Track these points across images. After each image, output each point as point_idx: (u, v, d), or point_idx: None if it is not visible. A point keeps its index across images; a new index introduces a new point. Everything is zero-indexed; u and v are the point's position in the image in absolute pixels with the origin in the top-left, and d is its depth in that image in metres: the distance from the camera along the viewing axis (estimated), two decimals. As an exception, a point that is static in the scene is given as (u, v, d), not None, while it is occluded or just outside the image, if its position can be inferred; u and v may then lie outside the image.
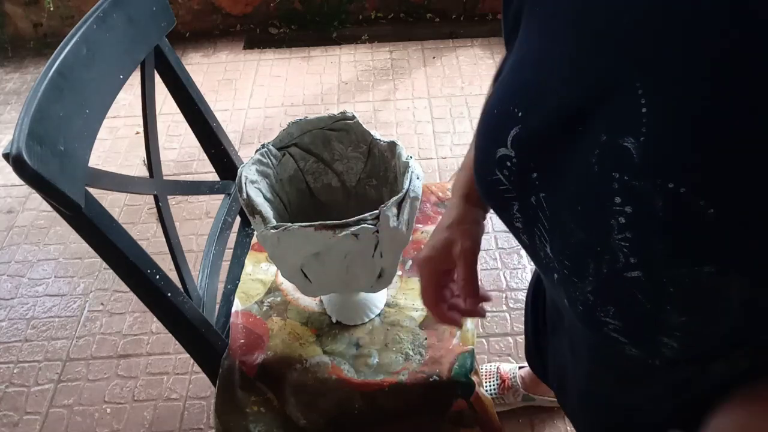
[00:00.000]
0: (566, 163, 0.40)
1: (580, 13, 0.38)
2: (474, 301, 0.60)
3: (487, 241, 1.65)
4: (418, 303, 0.93)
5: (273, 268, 1.00)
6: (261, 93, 2.26)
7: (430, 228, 1.02)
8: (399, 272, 0.97)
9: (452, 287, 0.67)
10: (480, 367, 1.33)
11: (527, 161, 0.44)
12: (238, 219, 1.15)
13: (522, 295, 1.52)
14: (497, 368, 1.30)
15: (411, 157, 0.79)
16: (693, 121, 0.32)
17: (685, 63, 0.32)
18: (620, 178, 0.36)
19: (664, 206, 0.34)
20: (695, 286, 0.35)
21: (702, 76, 0.31)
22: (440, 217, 0.74)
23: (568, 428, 1.28)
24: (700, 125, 0.32)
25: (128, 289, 0.75)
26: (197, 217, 1.79)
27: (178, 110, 0.95)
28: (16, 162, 0.56)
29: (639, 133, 0.34)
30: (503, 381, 1.27)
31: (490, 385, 1.28)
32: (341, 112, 0.85)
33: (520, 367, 1.30)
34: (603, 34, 0.36)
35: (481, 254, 1.58)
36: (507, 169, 0.46)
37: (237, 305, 0.94)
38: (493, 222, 1.70)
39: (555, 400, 1.23)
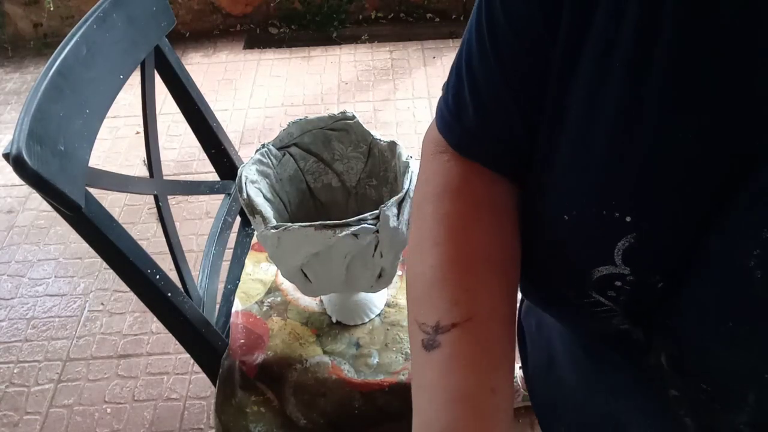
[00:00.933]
0: (710, 269, 0.31)
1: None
2: None
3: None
4: (418, 303, 0.93)
5: (273, 268, 1.00)
6: (261, 93, 2.26)
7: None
8: (399, 272, 0.97)
9: None
10: None
11: (650, 274, 0.34)
12: (238, 219, 1.15)
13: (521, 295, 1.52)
14: None
15: (411, 157, 0.79)
16: None
17: None
18: None
19: None
20: None
21: None
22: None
23: (568, 428, 1.28)
24: None
25: (128, 289, 0.75)
26: (197, 217, 1.79)
27: (178, 110, 0.95)
28: (16, 162, 0.56)
29: None
30: None
31: None
32: (341, 112, 0.85)
33: (520, 367, 1.30)
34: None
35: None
36: (615, 290, 0.35)
37: (237, 305, 0.94)
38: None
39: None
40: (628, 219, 0.33)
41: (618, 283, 0.35)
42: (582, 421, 0.52)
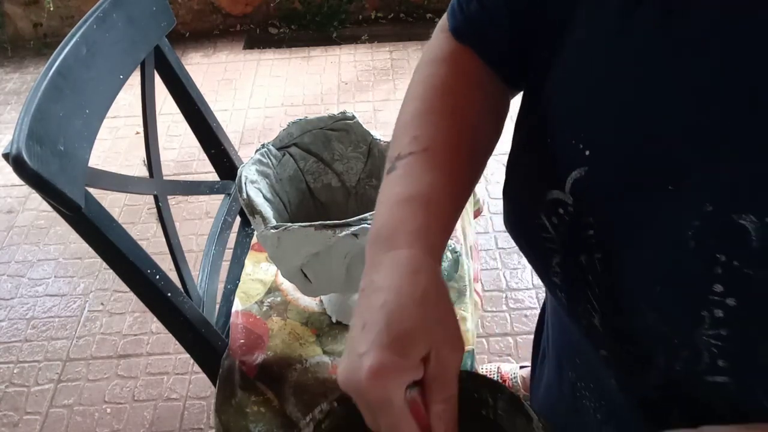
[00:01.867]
0: (644, 230, 0.32)
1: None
2: None
3: (487, 241, 1.65)
4: (418, 303, 0.93)
5: (273, 268, 1.00)
6: (261, 93, 2.26)
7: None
8: (399, 272, 0.97)
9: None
10: (480, 367, 1.33)
11: (587, 214, 0.36)
12: (238, 219, 1.15)
13: (522, 295, 1.52)
14: (497, 368, 1.30)
15: (411, 157, 0.78)
16: None
17: None
18: (727, 263, 0.28)
19: None
20: None
21: None
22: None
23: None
24: None
25: (128, 289, 0.75)
26: (197, 217, 1.79)
27: (178, 110, 0.95)
28: (16, 162, 0.56)
29: (764, 209, 0.27)
30: (503, 381, 1.27)
31: None
32: (341, 112, 0.85)
33: (521, 367, 1.31)
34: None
35: (482, 254, 1.58)
36: (557, 216, 0.37)
37: (237, 305, 0.94)
38: (493, 222, 1.70)
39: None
40: (587, 153, 0.35)
41: (561, 211, 0.37)
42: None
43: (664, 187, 0.31)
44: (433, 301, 0.34)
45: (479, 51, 0.47)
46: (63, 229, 1.78)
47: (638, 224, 0.32)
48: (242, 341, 0.89)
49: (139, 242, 0.73)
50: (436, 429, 0.32)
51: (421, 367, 0.33)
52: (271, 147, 0.83)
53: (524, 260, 1.60)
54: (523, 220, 0.41)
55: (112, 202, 1.82)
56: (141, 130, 0.88)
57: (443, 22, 0.52)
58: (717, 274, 0.29)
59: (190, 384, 1.40)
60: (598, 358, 0.39)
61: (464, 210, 1.08)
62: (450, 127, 0.44)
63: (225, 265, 1.07)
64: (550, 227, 0.38)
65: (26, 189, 1.89)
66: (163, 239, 0.88)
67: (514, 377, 1.28)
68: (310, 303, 0.94)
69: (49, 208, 0.67)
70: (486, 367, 1.33)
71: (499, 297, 1.52)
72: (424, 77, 0.48)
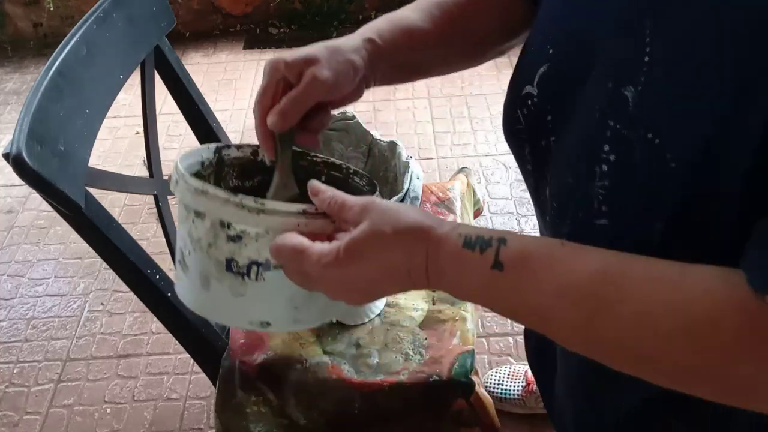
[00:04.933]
0: (576, 112, 0.40)
1: None
2: (278, 120, 0.48)
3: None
4: (419, 303, 0.93)
5: (273, 268, 1.00)
6: (261, 93, 2.26)
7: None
8: (399, 272, 0.97)
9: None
10: (507, 367, 1.32)
11: (546, 102, 0.43)
12: (238, 219, 1.15)
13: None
14: (525, 371, 1.29)
15: (411, 157, 0.79)
16: (692, 74, 0.32)
17: (694, 19, 0.32)
18: (613, 127, 0.36)
19: (641, 157, 0.34)
20: (647, 243, 0.35)
21: (709, 37, 0.31)
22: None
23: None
24: (696, 79, 0.32)
25: (128, 289, 0.75)
26: (197, 217, 1.79)
27: (178, 110, 0.95)
28: (16, 162, 0.56)
29: (639, 82, 0.35)
30: (528, 384, 1.26)
31: (514, 387, 1.26)
32: (341, 112, 0.85)
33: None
34: None
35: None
36: (527, 108, 0.45)
37: (237, 305, 0.94)
38: (493, 222, 1.70)
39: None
40: (551, 51, 0.43)
41: (529, 102, 0.44)
42: None
43: (590, 73, 0.39)
44: (332, 48, 0.50)
45: None
46: (63, 229, 1.78)
47: (573, 107, 0.40)
48: (242, 341, 0.89)
49: (139, 242, 0.73)
50: (277, 107, 0.49)
51: (299, 72, 0.48)
52: (271, 147, 0.83)
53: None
54: (508, 118, 0.48)
55: (112, 202, 1.82)
56: (141, 130, 0.88)
57: None
58: (606, 137, 0.36)
59: (190, 384, 1.40)
60: (546, 222, 0.47)
61: (465, 210, 1.08)
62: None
63: (225, 265, 1.06)
64: (522, 119, 0.46)
65: (26, 189, 1.89)
66: (163, 239, 0.88)
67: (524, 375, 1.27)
68: (310, 303, 0.94)
69: (49, 208, 0.67)
70: (513, 368, 1.29)
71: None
72: None
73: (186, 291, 0.53)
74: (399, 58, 0.55)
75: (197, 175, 0.57)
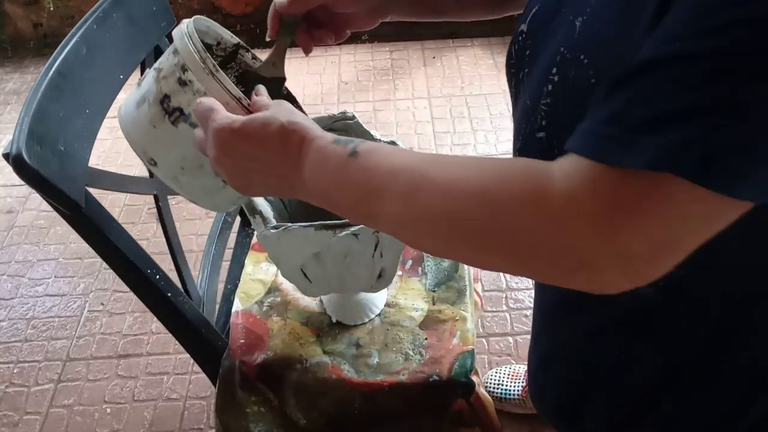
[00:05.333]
0: (546, 41, 0.46)
1: None
2: (285, 1, 0.55)
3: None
4: (419, 303, 0.93)
5: (273, 268, 1.00)
6: (261, 93, 2.26)
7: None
8: (399, 272, 0.97)
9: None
10: (507, 367, 1.31)
11: (528, 38, 0.49)
12: (238, 219, 1.15)
13: (522, 295, 1.52)
14: (525, 371, 1.28)
15: (411, 157, 0.78)
16: (610, 4, 0.38)
17: None
18: (562, 51, 0.42)
19: (574, 75, 0.41)
20: None
21: None
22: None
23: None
24: (609, 8, 0.38)
25: (128, 289, 0.75)
26: (197, 217, 1.79)
27: (178, 110, 0.95)
28: (16, 162, 0.57)
29: (585, 12, 0.41)
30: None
31: (514, 387, 1.26)
32: (341, 112, 0.85)
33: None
34: None
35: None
36: (517, 44, 0.51)
37: (237, 305, 0.94)
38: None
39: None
40: None
41: (520, 39, 0.50)
42: None
43: (561, 10, 0.44)
44: None
45: None
46: (63, 229, 1.78)
47: (544, 40, 0.46)
48: (242, 341, 0.89)
49: (139, 242, 0.73)
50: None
51: None
52: (271, 147, 0.83)
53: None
54: (507, 54, 0.53)
55: (112, 202, 1.82)
56: (141, 130, 0.88)
57: None
58: (556, 61, 0.42)
59: (190, 384, 1.40)
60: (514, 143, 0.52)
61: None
62: None
63: (225, 265, 1.07)
64: (513, 54, 0.52)
65: (26, 189, 1.89)
66: (163, 239, 0.88)
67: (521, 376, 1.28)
68: (310, 303, 0.95)
69: (49, 208, 0.67)
70: (514, 368, 1.29)
71: (499, 297, 1.52)
72: None
73: (127, 102, 0.59)
74: None
75: (207, 46, 0.62)
